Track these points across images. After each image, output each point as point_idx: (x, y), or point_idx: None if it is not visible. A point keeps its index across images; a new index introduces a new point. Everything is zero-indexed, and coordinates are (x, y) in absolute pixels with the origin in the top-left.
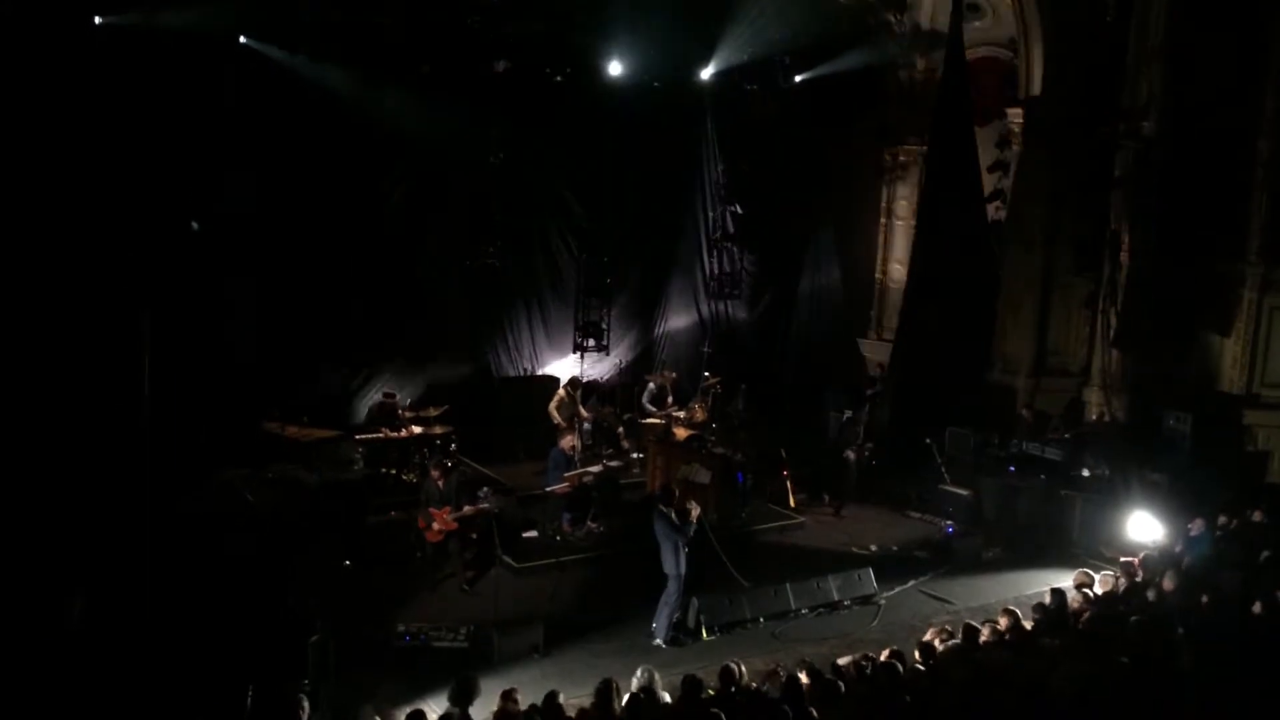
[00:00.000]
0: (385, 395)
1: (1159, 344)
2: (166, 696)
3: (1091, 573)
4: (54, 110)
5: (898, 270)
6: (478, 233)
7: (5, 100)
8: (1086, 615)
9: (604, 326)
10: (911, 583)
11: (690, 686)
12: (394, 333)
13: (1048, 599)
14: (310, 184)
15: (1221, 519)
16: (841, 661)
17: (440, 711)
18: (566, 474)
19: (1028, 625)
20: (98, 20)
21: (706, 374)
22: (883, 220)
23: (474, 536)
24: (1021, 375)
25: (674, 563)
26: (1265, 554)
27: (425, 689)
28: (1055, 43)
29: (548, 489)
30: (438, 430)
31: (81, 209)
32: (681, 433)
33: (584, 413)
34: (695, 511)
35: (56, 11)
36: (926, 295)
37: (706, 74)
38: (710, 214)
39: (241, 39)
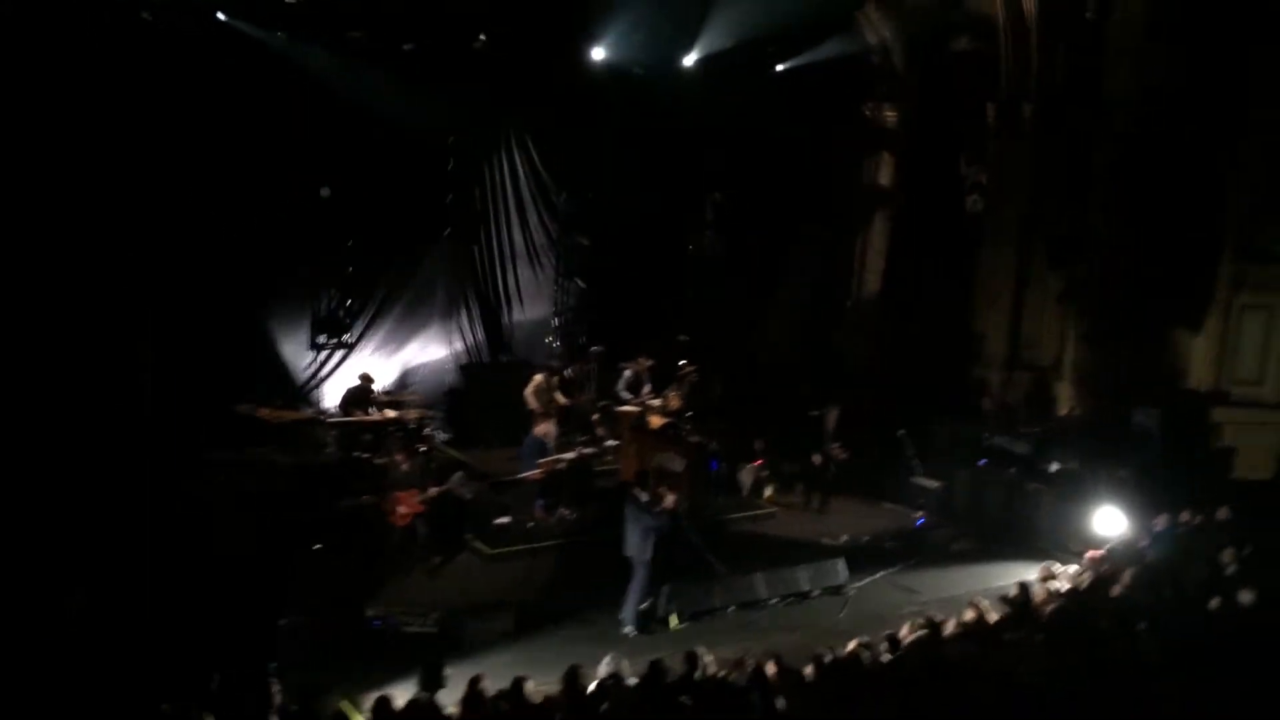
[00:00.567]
0: (361, 378)
1: (1130, 340)
2: (145, 680)
3: (1057, 566)
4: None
5: (876, 261)
6: (455, 217)
7: None
8: (1051, 609)
9: (582, 309)
10: (881, 573)
11: (654, 672)
12: (370, 314)
13: (1013, 592)
14: (284, 164)
15: (1185, 515)
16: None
17: (408, 697)
18: (541, 460)
19: (993, 617)
20: None
21: (683, 361)
22: (861, 207)
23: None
24: (995, 369)
25: (640, 548)
26: (1228, 550)
27: (394, 674)
28: (1035, 38)
29: (521, 475)
30: (412, 414)
31: (73, 193)
32: (656, 421)
33: (561, 399)
34: (669, 499)
35: None
36: (904, 288)
37: (689, 60)
38: (695, 199)
39: (220, 16)
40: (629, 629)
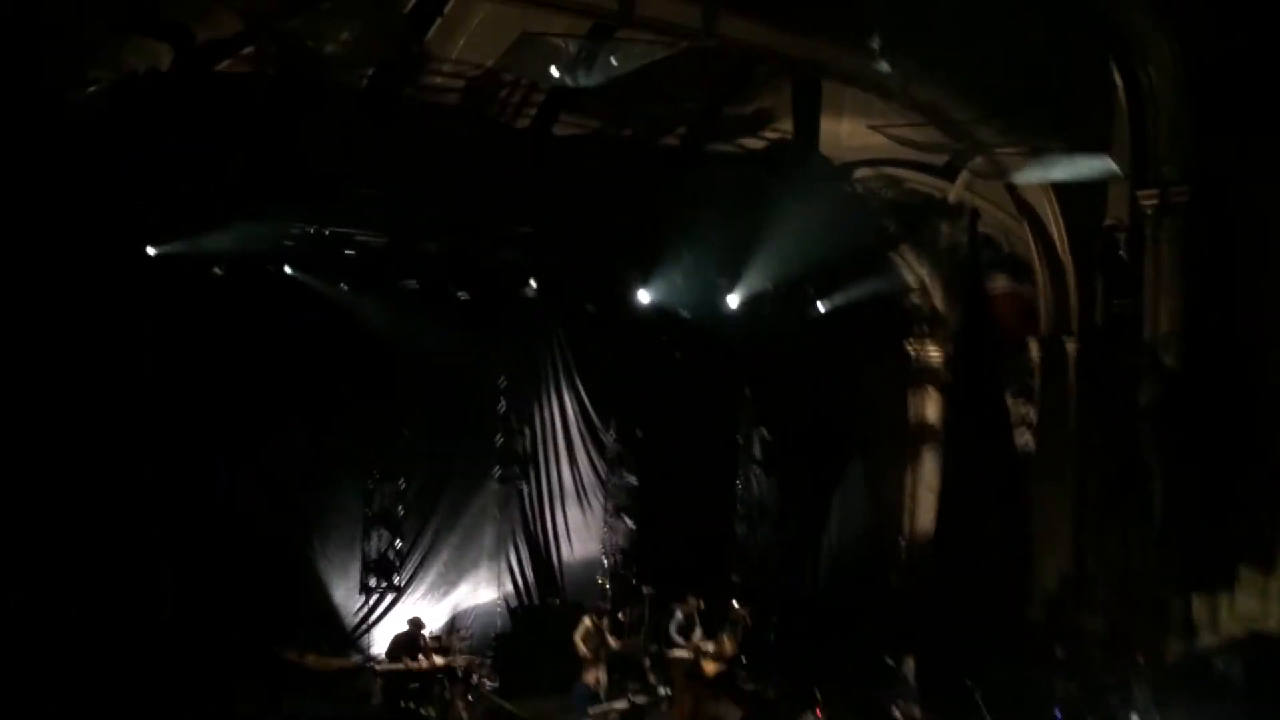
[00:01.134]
0: (411, 623)
1: (1199, 581)
2: None
3: None
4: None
5: (927, 497)
6: (505, 456)
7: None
8: None
9: (631, 551)
10: None
11: None
12: (420, 556)
13: None
14: (339, 407)
15: None
16: None
17: None
18: (591, 709)
19: None
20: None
21: (734, 603)
22: (909, 443)
23: None
24: (1060, 611)
25: None
26: None
27: None
28: (1072, 277)
29: None
30: (461, 661)
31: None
32: (710, 667)
33: (612, 643)
34: None
35: (108, 242)
36: (959, 526)
37: (733, 302)
38: (739, 439)
39: (286, 269)
40: None
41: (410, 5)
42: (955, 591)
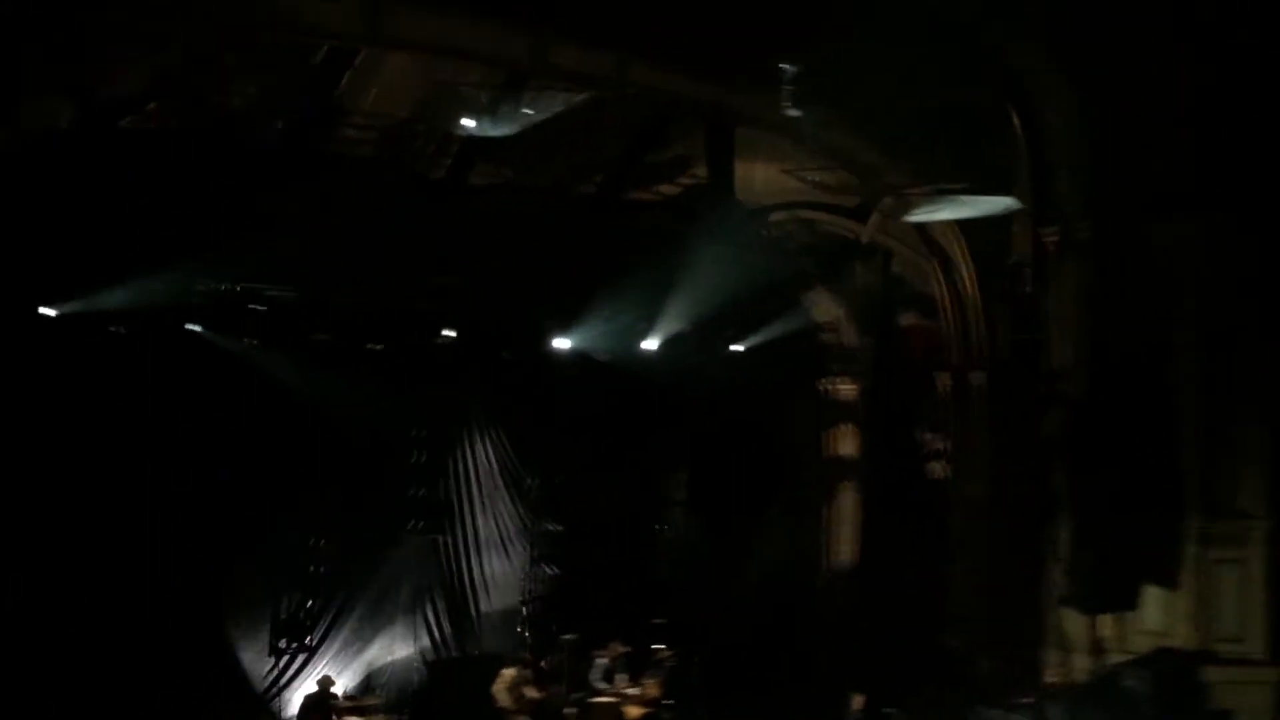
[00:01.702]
0: (320, 683)
1: (1109, 601)
2: None
3: None
4: None
5: (847, 531)
6: (424, 508)
7: None
8: None
9: (554, 601)
10: None
11: None
12: (333, 614)
13: None
14: (248, 466)
15: None
16: None
17: None
18: None
19: None
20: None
21: (658, 646)
22: (828, 478)
23: None
24: (977, 635)
25: None
26: None
27: None
28: (976, 313)
29: None
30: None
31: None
32: (634, 711)
33: (534, 694)
34: None
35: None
36: (878, 558)
37: (652, 344)
38: (659, 480)
39: (192, 325)
40: None
41: (320, 57)
42: (875, 622)
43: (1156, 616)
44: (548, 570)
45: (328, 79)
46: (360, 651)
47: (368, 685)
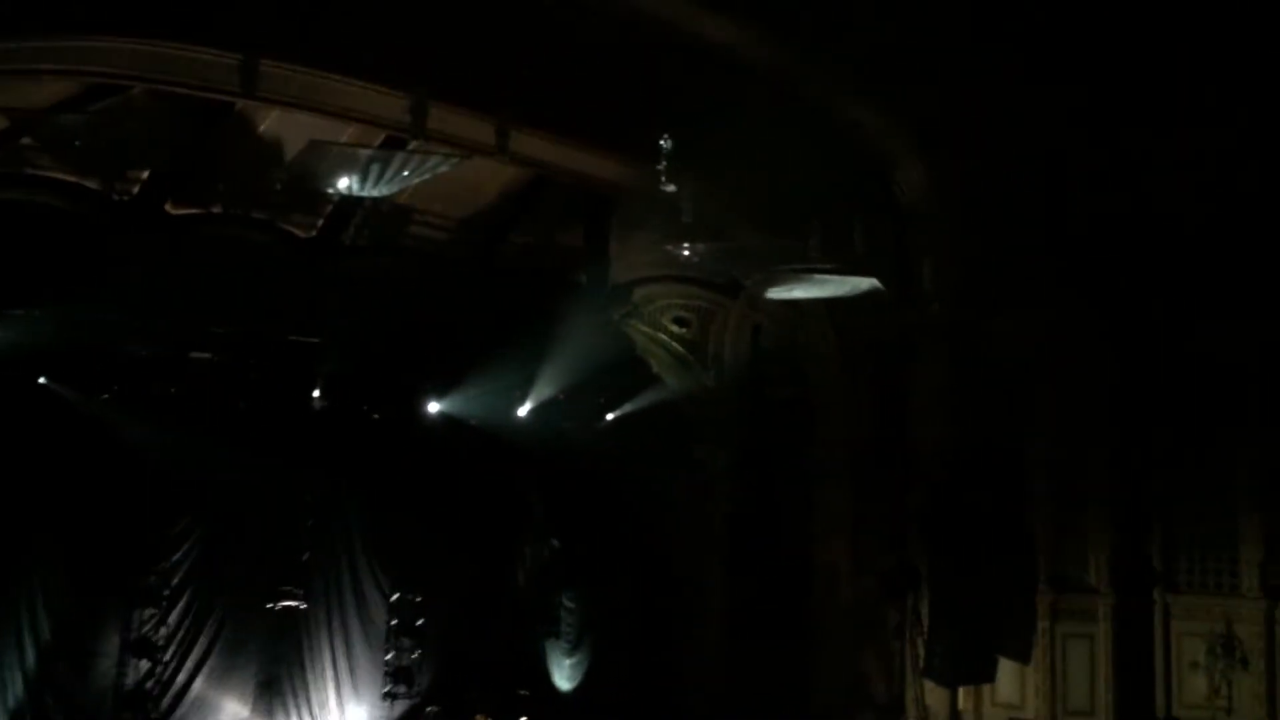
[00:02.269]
0: None
1: (965, 674)
2: None
3: None
4: None
5: (717, 600)
6: (283, 573)
7: None
8: None
9: (415, 671)
10: None
11: None
12: (182, 686)
13: None
14: (93, 531)
15: None
16: None
17: None
18: None
19: None
20: None
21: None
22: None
23: None
24: (835, 713)
25: None
26: None
27: None
28: (848, 388)
29: None
30: None
31: None
32: None
33: None
34: None
35: None
36: (743, 631)
37: (523, 410)
38: (529, 550)
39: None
40: None
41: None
42: (741, 695)
43: (1011, 689)
44: (409, 641)
45: (202, 133)
46: None
47: None
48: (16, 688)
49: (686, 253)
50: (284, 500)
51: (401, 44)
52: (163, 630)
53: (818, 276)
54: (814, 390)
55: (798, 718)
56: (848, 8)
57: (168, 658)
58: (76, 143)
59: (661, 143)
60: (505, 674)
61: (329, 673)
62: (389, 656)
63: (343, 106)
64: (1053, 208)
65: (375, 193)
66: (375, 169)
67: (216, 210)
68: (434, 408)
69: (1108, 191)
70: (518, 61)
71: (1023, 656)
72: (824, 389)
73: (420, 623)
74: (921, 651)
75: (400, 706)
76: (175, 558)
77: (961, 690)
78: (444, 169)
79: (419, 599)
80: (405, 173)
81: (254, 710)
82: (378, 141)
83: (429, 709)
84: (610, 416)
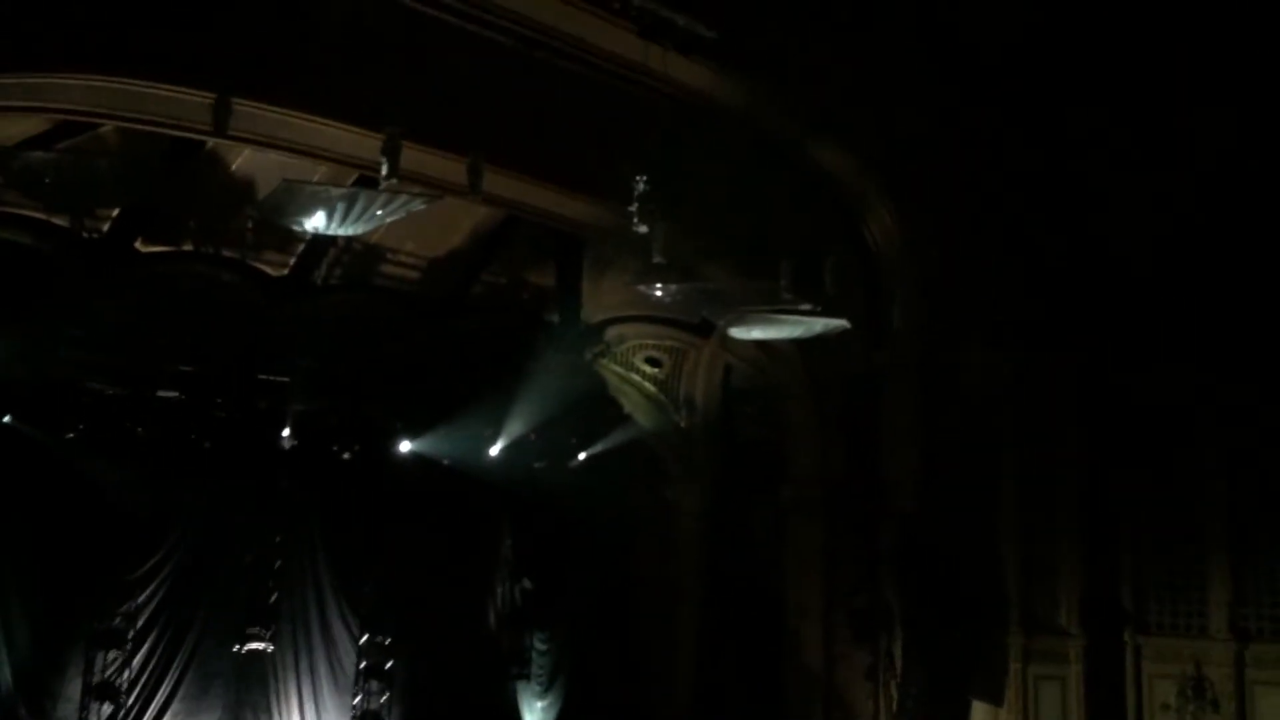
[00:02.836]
0: None
1: (938, 716)
2: None
3: None
4: None
5: (688, 641)
6: (251, 614)
7: None
8: None
9: (384, 714)
10: None
11: None
12: None
13: None
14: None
15: None
16: None
17: None
18: None
19: None
20: None
21: None
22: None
23: None
24: None
25: None
26: None
27: None
28: (819, 427)
29: None
30: None
31: None
32: None
33: None
34: None
35: None
36: (716, 670)
37: (494, 450)
38: (500, 590)
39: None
40: None
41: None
42: None
43: None
44: (377, 683)
45: (172, 171)
46: None
47: None
48: None
49: (658, 293)
50: (252, 541)
51: (374, 84)
52: (126, 673)
53: (788, 317)
54: (785, 429)
55: None
56: (815, 53)
57: (130, 701)
58: (45, 179)
59: (634, 184)
60: (476, 717)
61: (296, 716)
62: (357, 700)
63: (315, 145)
64: (1018, 248)
65: (347, 232)
66: (348, 208)
67: (187, 248)
68: (404, 447)
69: (1066, 232)
70: (490, 102)
71: (995, 699)
72: (795, 428)
73: (389, 665)
74: (895, 693)
75: None
76: (140, 599)
77: None
78: (416, 208)
79: (388, 641)
80: (377, 212)
81: None
82: (350, 180)
83: None
84: (582, 456)
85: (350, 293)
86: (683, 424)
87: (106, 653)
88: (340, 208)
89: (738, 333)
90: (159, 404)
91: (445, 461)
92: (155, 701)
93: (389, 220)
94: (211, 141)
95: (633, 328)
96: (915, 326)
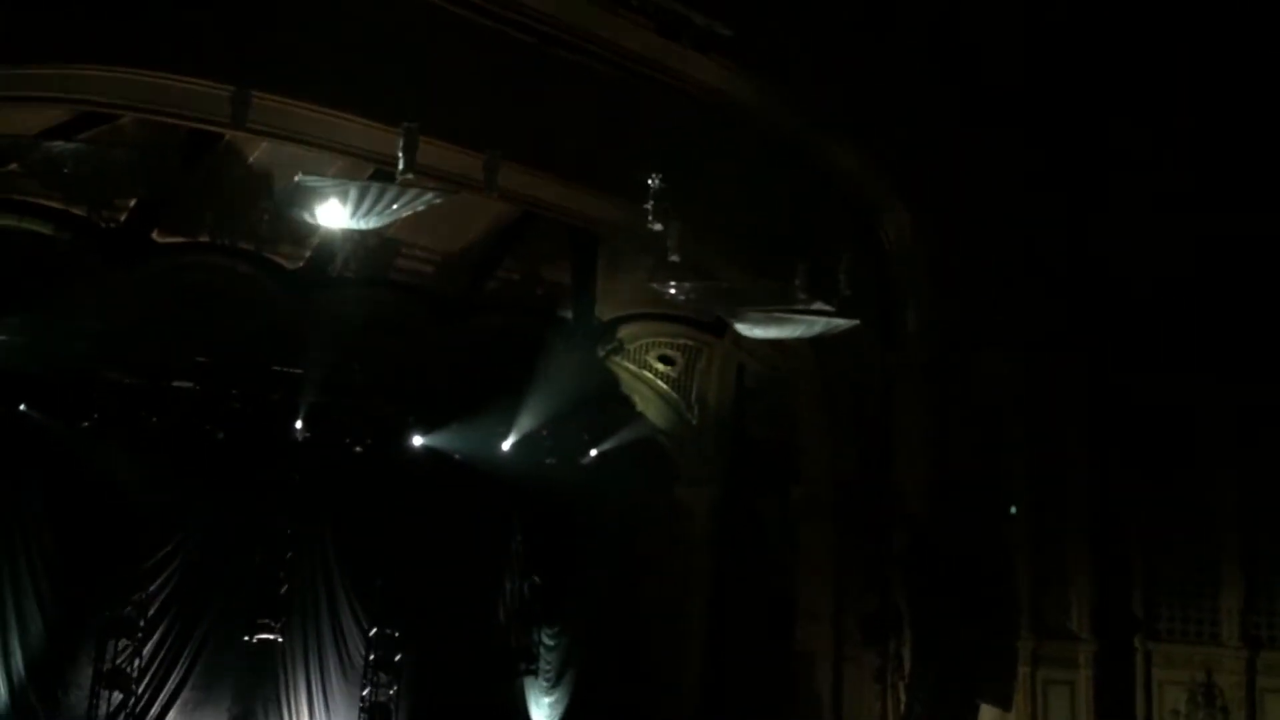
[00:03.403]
0: None
1: (946, 719)
2: None
3: None
4: None
5: (694, 643)
6: (262, 605)
7: None
8: None
9: (392, 707)
10: None
11: None
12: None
13: None
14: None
15: None
16: None
17: None
18: None
19: None
20: None
21: None
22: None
23: None
24: None
25: None
26: None
27: None
28: (832, 428)
29: None
30: None
31: None
32: None
33: None
34: None
35: None
36: (726, 669)
37: (506, 446)
38: (509, 586)
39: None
40: None
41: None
42: None
43: None
44: (386, 676)
45: (190, 163)
46: None
47: None
48: None
49: (672, 291)
50: (263, 532)
51: (392, 78)
52: (137, 662)
53: (802, 317)
54: (797, 430)
55: None
56: (831, 53)
57: (141, 690)
58: (64, 170)
59: (649, 182)
60: (483, 711)
61: (304, 707)
62: (365, 692)
63: (332, 139)
64: (1030, 250)
65: (362, 226)
66: (363, 202)
67: (203, 239)
68: (417, 441)
69: (1077, 235)
70: (506, 97)
71: (1004, 703)
72: (807, 429)
73: (398, 658)
74: (903, 697)
75: None
76: (152, 588)
77: None
78: (432, 203)
79: (397, 634)
80: (393, 206)
81: None
82: (367, 175)
83: None
84: (593, 453)
85: (365, 287)
86: (694, 422)
87: (117, 641)
88: (356, 202)
89: (751, 332)
90: (173, 394)
91: (457, 456)
92: (165, 690)
93: (405, 215)
94: (229, 134)
95: (646, 325)
96: (928, 328)
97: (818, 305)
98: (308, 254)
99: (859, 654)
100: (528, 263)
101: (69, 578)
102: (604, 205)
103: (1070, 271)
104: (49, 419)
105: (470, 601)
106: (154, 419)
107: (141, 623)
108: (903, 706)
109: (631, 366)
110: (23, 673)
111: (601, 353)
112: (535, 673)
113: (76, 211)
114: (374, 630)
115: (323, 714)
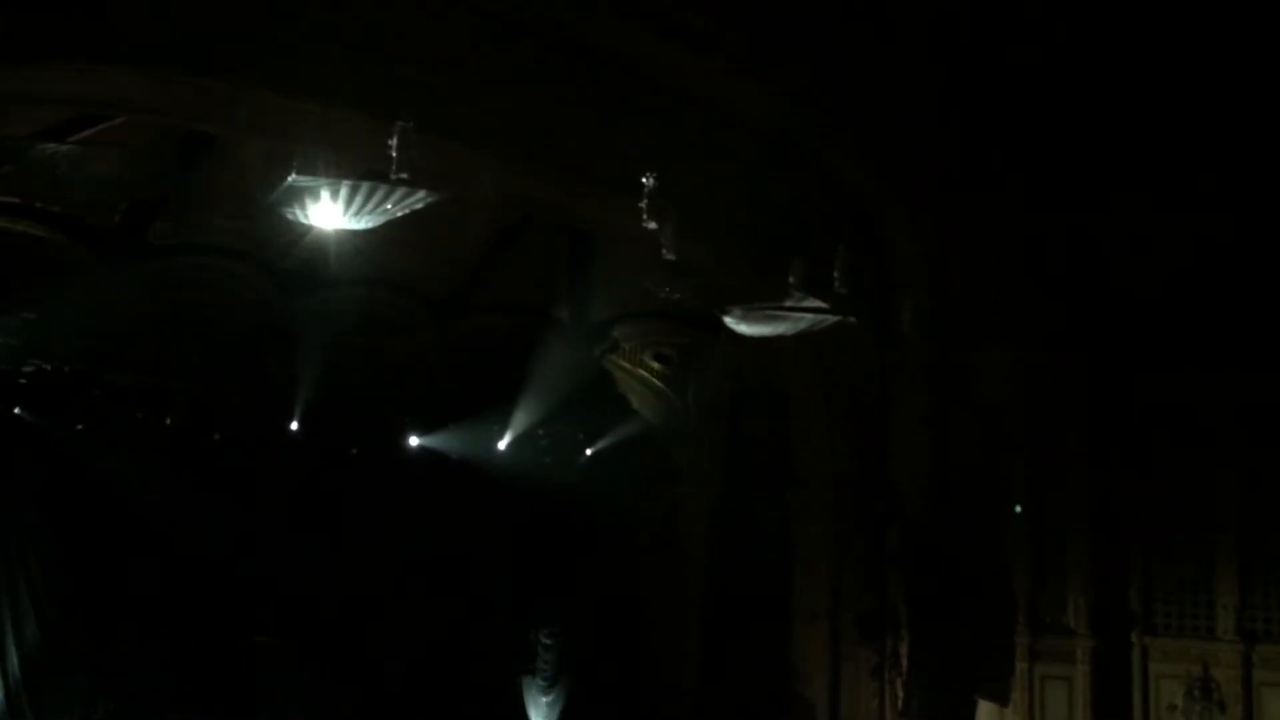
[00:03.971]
0: None
1: (943, 716)
2: None
3: None
4: None
5: (694, 644)
6: (258, 608)
7: None
8: None
9: (391, 708)
10: None
11: None
12: None
13: None
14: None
15: None
16: None
17: None
18: None
19: None
20: None
21: None
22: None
23: None
24: None
25: None
26: None
27: None
28: (828, 426)
29: None
30: None
31: None
32: None
33: None
34: None
35: None
36: (724, 671)
37: (502, 445)
38: (506, 586)
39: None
40: None
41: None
42: None
43: None
44: (384, 676)
45: (184, 162)
46: None
47: None
48: None
49: (668, 290)
50: (259, 533)
51: (388, 76)
52: (132, 667)
53: (798, 315)
54: (794, 429)
55: None
56: (831, 54)
57: (136, 694)
58: (59, 171)
59: (644, 180)
60: (481, 712)
61: (302, 708)
62: (364, 692)
63: (328, 137)
64: (1029, 249)
65: (357, 225)
66: (357, 201)
67: (199, 240)
68: (413, 441)
69: (1076, 234)
70: (503, 96)
71: (1001, 699)
72: (804, 428)
73: (397, 659)
74: (900, 693)
75: None
76: (147, 591)
77: None
78: (428, 202)
79: (396, 634)
80: (388, 205)
81: None
82: (361, 173)
83: None
84: (589, 452)
85: (361, 287)
86: (691, 421)
87: (116, 643)
88: (349, 201)
89: (747, 330)
90: (168, 395)
91: (453, 456)
92: (160, 695)
93: (400, 214)
94: (223, 133)
95: (642, 324)
96: (925, 327)
97: (814, 303)
98: (303, 254)
99: (856, 652)
100: (523, 262)
101: (63, 581)
102: (600, 204)
103: (1070, 271)
104: (43, 420)
105: (467, 601)
106: (149, 420)
107: (137, 626)
108: (900, 704)
109: (627, 365)
110: (18, 675)
111: (597, 352)
112: (533, 672)
113: (70, 213)
114: (370, 631)
115: (322, 715)
